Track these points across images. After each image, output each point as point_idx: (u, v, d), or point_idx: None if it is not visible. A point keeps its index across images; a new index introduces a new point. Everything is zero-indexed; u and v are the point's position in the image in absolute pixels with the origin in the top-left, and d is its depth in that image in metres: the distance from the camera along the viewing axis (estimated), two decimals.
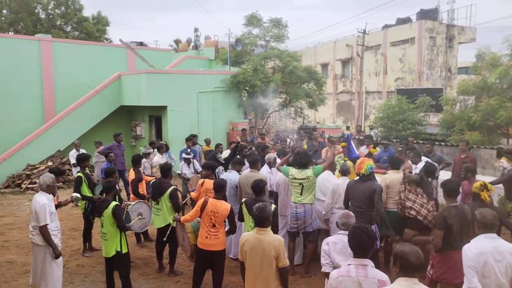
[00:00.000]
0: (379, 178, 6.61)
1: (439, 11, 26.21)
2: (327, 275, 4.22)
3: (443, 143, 13.42)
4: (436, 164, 8.20)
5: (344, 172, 6.58)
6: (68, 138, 14.17)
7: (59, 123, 14.47)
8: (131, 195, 7.65)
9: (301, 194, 6.23)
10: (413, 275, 2.91)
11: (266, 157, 7.81)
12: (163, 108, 14.74)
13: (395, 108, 16.54)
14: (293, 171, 6.30)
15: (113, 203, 5.43)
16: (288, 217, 6.40)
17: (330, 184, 6.50)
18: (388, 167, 6.65)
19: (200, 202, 5.41)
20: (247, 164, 7.41)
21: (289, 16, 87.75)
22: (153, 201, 6.60)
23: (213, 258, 5.33)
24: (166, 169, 6.57)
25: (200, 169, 9.63)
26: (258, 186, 5.42)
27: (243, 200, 5.65)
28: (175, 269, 6.54)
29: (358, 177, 5.92)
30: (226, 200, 6.65)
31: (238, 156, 8.16)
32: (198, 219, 5.51)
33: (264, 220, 4.15)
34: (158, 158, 10.21)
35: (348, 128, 18.61)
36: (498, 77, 11.69)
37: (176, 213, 6.29)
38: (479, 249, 3.63)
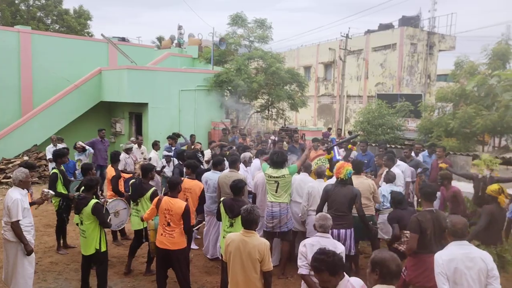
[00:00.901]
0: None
1: (420, 19, 26.69)
2: (303, 277, 4.26)
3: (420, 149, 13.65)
4: (413, 169, 8.37)
5: (320, 174, 6.62)
6: (45, 133, 13.90)
7: (36, 117, 14.17)
8: (109, 192, 7.56)
9: (276, 192, 6.26)
10: (392, 283, 2.89)
11: (242, 156, 7.83)
12: (144, 105, 14.59)
13: (375, 113, 16.75)
14: (269, 170, 6.34)
15: (93, 201, 5.34)
16: (264, 216, 6.42)
17: (306, 186, 6.54)
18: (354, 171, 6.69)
19: (155, 201, 5.41)
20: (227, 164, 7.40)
21: (273, 17, 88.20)
22: (132, 202, 6.48)
23: (168, 257, 5.30)
24: (147, 169, 6.42)
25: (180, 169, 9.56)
26: (237, 186, 5.40)
27: (221, 199, 5.64)
28: (151, 268, 6.47)
29: (335, 181, 5.93)
30: (205, 201, 6.65)
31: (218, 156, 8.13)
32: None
33: (251, 222, 4.13)
34: (153, 155, 10.15)
35: (329, 129, 18.70)
36: (476, 85, 11.97)
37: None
38: (450, 256, 3.65)
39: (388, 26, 26.74)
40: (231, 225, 5.32)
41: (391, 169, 7.61)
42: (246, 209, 4.16)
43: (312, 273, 4.19)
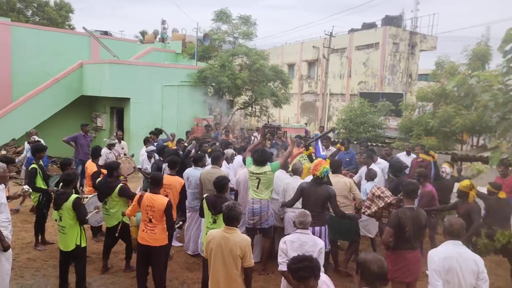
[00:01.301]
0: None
1: (403, 18, 26.99)
2: (284, 273, 4.29)
3: (400, 147, 13.85)
4: (386, 163, 8.51)
5: (296, 171, 6.66)
6: (24, 127, 13.63)
7: (14, 110, 13.88)
8: (88, 188, 7.47)
9: (257, 188, 6.28)
10: (374, 285, 2.88)
11: (229, 152, 7.87)
12: (126, 100, 14.43)
13: (357, 111, 16.90)
14: (252, 166, 6.36)
15: (74, 196, 5.27)
16: (246, 213, 6.44)
17: (282, 183, 6.57)
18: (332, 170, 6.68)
19: (137, 197, 5.39)
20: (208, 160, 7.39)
21: (258, 14, 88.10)
22: (100, 202, 6.38)
23: (149, 253, 5.28)
24: (112, 167, 6.30)
25: (161, 165, 9.48)
26: (221, 183, 5.40)
27: (204, 196, 5.62)
28: (131, 265, 6.42)
29: (311, 179, 5.95)
30: (185, 197, 6.64)
31: (199, 152, 8.12)
32: None
33: (233, 219, 4.14)
34: (144, 151, 10.04)
35: (305, 124, 18.76)
36: (456, 85, 12.17)
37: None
38: (445, 254, 3.70)
39: (371, 26, 26.97)
40: (214, 221, 5.32)
41: (374, 166, 7.72)
42: (228, 206, 4.16)
43: None
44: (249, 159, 6.55)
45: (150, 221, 5.23)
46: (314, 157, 7.41)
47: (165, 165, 7.95)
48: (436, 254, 3.74)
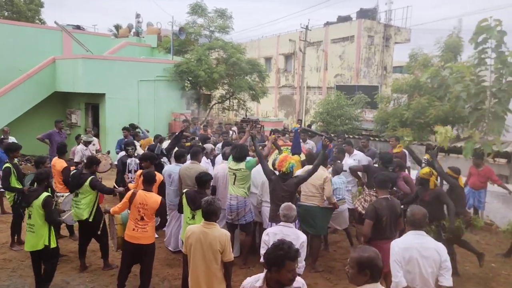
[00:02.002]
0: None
1: (378, 11, 27.29)
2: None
3: (377, 139, 14.08)
4: (370, 159, 8.62)
5: (274, 165, 6.71)
6: None
7: None
8: (60, 185, 7.33)
9: (234, 184, 6.34)
10: (376, 280, 2.80)
11: (208, 147, 7.88)
12: (101, 95, 14.19)
13: (334, 104, 17.08)
14: (230, 162, 6.42)
15: (45, 194, 5.19)
16: (226, 208, 6.45)
17: (261, 177, 6.59)
18: (307, 162, 6.76)
19: (128, 194, 5.32)
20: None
21: (234, 7, 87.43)
22: (71, 193, 6.30)
23: (139, 251, 5.24)
24: (93, 161, 6.29)
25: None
26: (203, 179, 5.41)
27: (184, 191, 5.60)
28: (109, 263, 6.35)
29: (278, 173, 5.92)
30: (164, 191, 6.60)
31: (177, 148, 8.06)
32: (128, 210, 5.40)
33: (211, 214, 4.14)
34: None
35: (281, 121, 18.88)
36: (429, 77, 12.42)
37: (106, 205, 6.08)
38: (405, 244, 3.69)
39: (347, 19, 27.17)
40: (193, 217, 5.33)
41: (348, 159, 7.84)
42: (207, 201, 4.17)
43: None
44: (231, 157, 6.57)
45: (142, 219, 5.18)
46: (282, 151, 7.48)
47: (130, 160, 8.00)
48: (397, 245, 3.72)
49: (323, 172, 6.40)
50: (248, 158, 6.48)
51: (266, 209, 6.30)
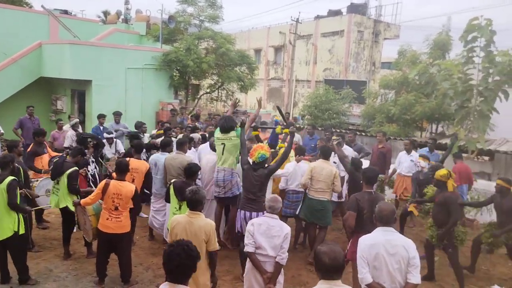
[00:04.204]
0: (305, 165, 6.85)
1: (368, 7, 27.38)
2: (250, 254, 4.36)
3: (364, 134, 14.20)
4: (356, 153, 8.69)
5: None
6: None
7: None
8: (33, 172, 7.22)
9: (222, 154, 6.28)
10: (332, 277, 2.83)
11: (191, 136, 7.89)
12: (88, 82, 13.98)
13: (322, 98, 17.15)
14: (218, 133, 6.41)
15: (9, 178, 5.06)
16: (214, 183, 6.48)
17: None
18: (320, 156, 6.72)
19: (101, 184, 5.29)
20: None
21: None
22: (52, 180, 6.24)
23: (114, 241, 5.23)
24: (78, 151, 6.37)
25: (122, 150, 9.28)
26: (192, 170, 5.41)
27: (172, 181, 5.58)
28: (93, 250, 6.30)
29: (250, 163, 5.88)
30: (151, 180, 6.59)
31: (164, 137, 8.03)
32: (101, 201, 5.36)
33: (197, 203, 4.13)
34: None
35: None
36: (417, 74, 12.57)
37: (76, 197, 5.95)
38: (372, 241, 3.68)
39: (337, 13, 27.22)
40: (179, 207, 5.32)
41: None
42: (192, 190, 4.16)
43: (258, 251, 4.32)
44: (217, 129, 6.58)
45: (116, 208, 5.16)
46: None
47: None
48: (364, 241, 3.72)
49: (332, 169, 6.53)
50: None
51: None
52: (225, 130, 6.29)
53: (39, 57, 14.56)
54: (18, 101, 14.02)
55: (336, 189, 6.51)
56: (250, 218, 5.39)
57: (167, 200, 5.65)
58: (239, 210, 5.79)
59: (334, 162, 7.57)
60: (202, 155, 7.27)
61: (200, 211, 4.20)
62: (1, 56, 14.14)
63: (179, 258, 2.73)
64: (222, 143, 6.29)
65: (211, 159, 6.76)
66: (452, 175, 5.96)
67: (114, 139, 9.27)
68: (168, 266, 2.77)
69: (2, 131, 10.39)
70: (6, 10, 16.05)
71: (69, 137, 9.47)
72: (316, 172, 6.43)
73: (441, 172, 5.93)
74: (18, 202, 5.21)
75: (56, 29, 16.48)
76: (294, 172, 6.76)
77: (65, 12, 18.85)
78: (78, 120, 10.12)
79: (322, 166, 6.48)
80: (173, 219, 4.26)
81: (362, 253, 3.66)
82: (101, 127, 10.22)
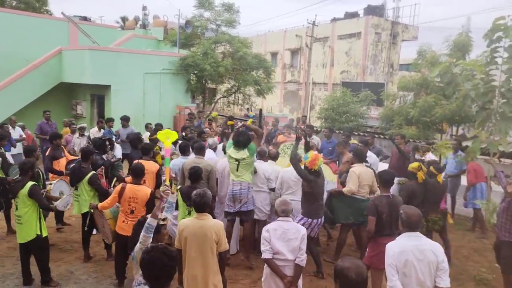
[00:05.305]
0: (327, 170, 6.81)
1: (385, 8, 27.13)
2: (267, 261, 4.33)
3: (382, 136, 14.04)
4: (375, 156, 8.59)
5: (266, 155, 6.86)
6: (1, 114, 13.28)
7: None
8: (50, 174, 7.34)
9: (237, 170, 6.18)
10: None
11: (211, 142, 7.88)
12: (107, 87, 14.20)
13: (339, 100, 17.02)
14: (230, 150, 6.25)
15: (30, 183, 5.15)
16: (226, 197, 6.37)
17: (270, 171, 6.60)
18: (355, 160, 6.62)
19: (118, 188, 5.32)
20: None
21: (241, 1, 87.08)
22: (71, 186, 6.33)
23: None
24: (88, 153, 6.33)
25: (119, 155, 8.71)
26: (196, 173, 5.32)
27: (178, 187, 5.52)
28: (112, 253, 6.34)
29: (309, 171, 5.82)
30: (161, 180, 6.60)
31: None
32: (118, 204, 5.39)
33: (204, 205, 4.12)
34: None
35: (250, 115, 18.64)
36: (439, 74, 12.38)
37: (94, 200, 6.05)
38: (401, 247, 3.61)
39: (354, 15, 27.05)
40: (189, 213, 5.24)
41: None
42: (198, 194, 4.14)
43: (276, 256, 4.29)
44: (229, 143, 6.44)
45: (132, 212, 5.19)
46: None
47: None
48: (392, 248, 3.65)
49: (370, 170, 6.56)
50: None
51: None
52: (240, 144, 6.12)
53: (60, 63, 14.86)
54: (39, 106, 14.29)
55: (374, 189, 6.45)
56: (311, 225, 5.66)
57: (176, 207, 5.34)
58: (310, 219, 5.78)
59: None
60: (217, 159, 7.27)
61: (208, 213, 4.18)
62: (23, 62, 14.46)
63: (161, 262, 2.64)
64: (237, 160, 6.14)
65: (222, 162, 6.72)
66: (423, 168, 6.19)
67: (115, 144, 9.28)
68: (150, 272, 2.67)
69: (24, 136, 10.61)
70: (28, 17, 16.44)
71: (73, 142, 9.70)
72: (362, 178, 6.37)
73: (413, 164, 6.28)
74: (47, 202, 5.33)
75: (75, 35, 16.80)
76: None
77: (84, 18, 19.22)
78: (85, 125, 10.35)
79: (364, 170, 6.44)
80: (181, 222, 4.25)
81: (392, 261, 3.59)
82: (109, 130, 10.42)
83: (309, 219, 5.76)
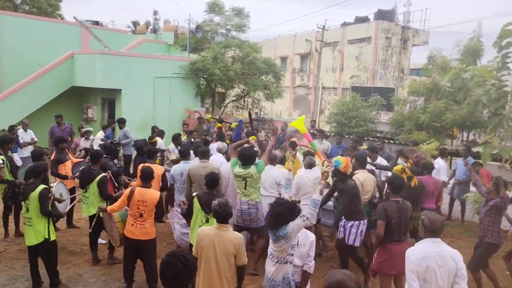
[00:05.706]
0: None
1: (396, 13, 27.02)
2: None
3: (391, 141, 13.93)
4: (385, 161, 8.53)
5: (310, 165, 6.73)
6: (14, 117, 13.41)
7: (4, 101, 13.68)
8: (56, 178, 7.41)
9: (245, 189, 6.07)
10: None
11: (220, 146, 7.89)
12: (117, 91, 14.31)
13: (349, 105, 16.95)
14: (236, 168, 6.10)
15: (41, 186, 5.20)
16: (234, 212, 6.31)
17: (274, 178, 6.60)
18: (357, 166, 6.54)
19: (127, 192, 5.32)
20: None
21: (250, 6, 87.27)
22: (81, 189, 6.38)
23: (139, 247, 5.26)
24: (97, 155, 6.35)
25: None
26: (214, 179, 5.21)
27: (195, 194, 5.34)
28: (114, 256, 6.38)
29: (340, 176, 5.88)
30: (167, 183, 6.62)
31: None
32: (127, 207, 5.41)
33: (226, 216, 4.04)
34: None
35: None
36: (450, 80, 12.28)
37: (106, 203, 6.07)
38: (423, 253, 3.61)
39: (364, 20, 26.97)
40: (207, 220, 5.09)
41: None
42: (221, 203, 4.04)
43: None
44: (233, 160, 6.25)
45: (141, 215, 5.20)
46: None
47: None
48: (414, 253, 3.66)
49: (372, 176, 6.63)
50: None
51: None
52: (246, 161, 6.00)
53: (71, 67, 15.01)
54: (51, 109, 14.46)
55: (374, 194, 6.63)
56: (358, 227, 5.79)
57: (189, 214, 5.30)
58: (347, 221, 5.83)
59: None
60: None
61: (228, 224, 4.12)
62: (35, 66, 14.65)
63: (175, 269, 2.58)
64: (244, 179, 6.04)
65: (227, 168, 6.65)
66: (407, 171, 6.32)
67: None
68: (164, 276, 2.63)
69: (35, 139, 10.72)
70: (40, 22, 16.66)
71: (80, 145, 9.83)
72: (366, 184, 6.36)
73: (397, 167, 6.45)
74: (50, 209, 5.36)
75: (87, 39, 16.97)
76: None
77: (96, 23, 19.41)
78: (90, 129, 10.55)
79: (367, 176, 6.44)
80: (200, 231, 4.15)
81: (413, 266, 3.59)
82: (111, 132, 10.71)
83: (356, 221, 5.82)
